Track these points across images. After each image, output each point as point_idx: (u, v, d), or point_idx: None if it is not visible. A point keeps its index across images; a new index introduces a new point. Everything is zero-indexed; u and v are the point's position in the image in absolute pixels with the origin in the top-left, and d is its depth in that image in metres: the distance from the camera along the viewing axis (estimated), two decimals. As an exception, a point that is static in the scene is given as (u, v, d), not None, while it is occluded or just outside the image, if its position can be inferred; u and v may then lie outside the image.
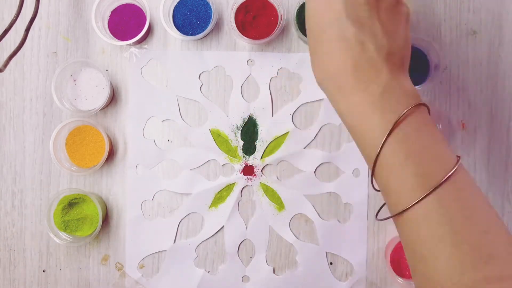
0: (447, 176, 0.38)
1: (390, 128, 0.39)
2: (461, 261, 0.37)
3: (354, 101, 0.40)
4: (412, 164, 0.38)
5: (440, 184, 0.37)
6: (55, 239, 0.56)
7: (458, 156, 0.40)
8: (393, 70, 0.40)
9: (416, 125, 0.39)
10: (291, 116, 0.59)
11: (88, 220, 0.58)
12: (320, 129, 0.59)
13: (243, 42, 0.59)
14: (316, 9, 0.41)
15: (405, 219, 0.39)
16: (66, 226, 0.57)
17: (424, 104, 0.40)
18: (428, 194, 0.37)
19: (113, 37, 0.58)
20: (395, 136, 0.39)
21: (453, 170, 0.38)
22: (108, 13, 0.59)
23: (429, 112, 0.41)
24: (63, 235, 0.57)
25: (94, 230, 0.57)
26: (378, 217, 0.45)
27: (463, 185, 0.39)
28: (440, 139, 0.40)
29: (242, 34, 0.56)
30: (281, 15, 0.56)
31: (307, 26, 0.42)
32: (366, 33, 0.40)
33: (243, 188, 0.59)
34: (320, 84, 0.42)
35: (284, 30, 0.59)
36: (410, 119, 0.39)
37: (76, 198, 0.57)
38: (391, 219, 0.41)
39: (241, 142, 0.59)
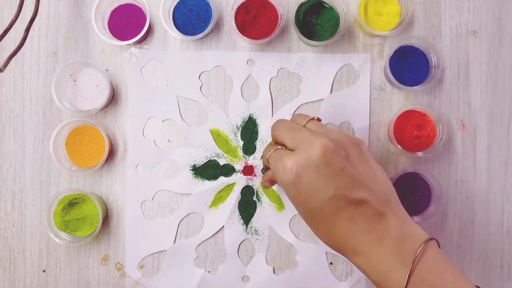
0: None
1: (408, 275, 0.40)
2: None
3: (374, 259, 0.41)
4: None
5: None
6: (55, 239, 0.56)
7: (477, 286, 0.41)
8: (396, 216, 0.42)
9: (429, 266, 0.40)
10: (291, 116, 0.59)
11: (88, 220, 0.58)
12: (320, 129, 0.59)
13: (243, 42, 0.59)
14: (301, 199, 0.42)
15: None
16: (66, 226, 0.57)
17: (432, 238, 0.42)
18: None
19: (113, 37, 0.58)
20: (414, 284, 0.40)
21: None
22: (108, 13, 0.59)
23: (439, 245, 0.42)
24: (63, 235, 0.57)
25: (94, 230, 0.57)
26: None
27: None
28: (457, 275, 0.41)
29: (242, 34, 0.56)
30: (281, 15, 0.56)
31: (299, 211, 0.44)
32: (356, 194, 0.41)
33: (243, 188, 0.59)
34: (333, 249, 0.44)
35: (284, 30, 0.59)
36: (424, 259, 0.40)
37: (76, 198, 0.57)
38: None
39: (241, 142, 0.59)
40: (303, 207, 0.43)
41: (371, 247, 0.41)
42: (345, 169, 0.42)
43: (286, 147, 0.45)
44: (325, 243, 0.44)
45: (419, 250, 0.40)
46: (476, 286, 0.40)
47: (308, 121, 0.47)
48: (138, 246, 0.59)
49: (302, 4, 0.57)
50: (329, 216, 0.42)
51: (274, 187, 0.59)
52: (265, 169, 0.58)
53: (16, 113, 0.59)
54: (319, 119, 0.48)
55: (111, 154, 0.59)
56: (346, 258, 0.47)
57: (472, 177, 0.59)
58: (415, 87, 0.57)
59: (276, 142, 0.48)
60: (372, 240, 0.41)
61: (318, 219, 0.43)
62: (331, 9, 0.57)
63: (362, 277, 0.59)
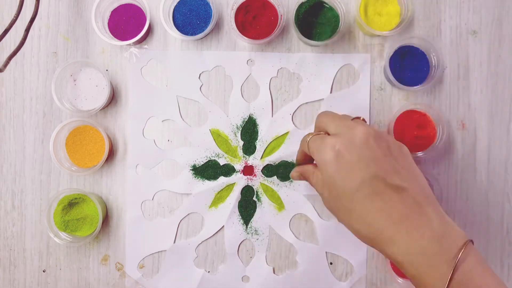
0: None
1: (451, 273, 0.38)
2: None
3: (414, 251, 0.40)
4: None
5: None
6: (55, 239, 0.56)
7: None
8: (437, 210, 0.41)
9: (472, 266, 0.39)
10: (291, 116, 0.59)
11: (88, 220, 0.58)
12: (320, 129, 0.59)
13: (243, 42, 0.59)
14: (340, 176, 0.42)
15: None
16: (66, 226, 0.57)
17: (471, 240, 0.41)
18: None
19: (113, 37, 0.58)
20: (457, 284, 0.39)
21: None
22: (108, 13, 0.59)
23: (472, 243, 0.41)
24: (63, 235, 0.57)
25: (94, 230, 0.57)
26: None
27: None
28: (498, 280, 0.40)
29: (242, 34, 0.56)
30: (281, 15, 0.56)
31: (333, 195, 0.43)
32: (398, 181, 0.41)
33: (243, 188, 0.59)
34: (364, 239, 0.43)
35: (284, 30, 0.59)
36: (467, 259, 0.39)
37: (76, 198, 0.57)
38: None
39: (241, 142, 0.59)
40: (341, 187, 0.42)
41: (410, 237, 0.40)
42: (386, 156, 0.42)
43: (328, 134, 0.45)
44: (358, 231, 0.43)
45: (463, 249, 0.39)
46: None
47: (354, 118, 0.47)
48: (138, 246, 0.59)
49: (302, 4, 0.57)
50: (367, 198, 0.41)
51: (274, 186, 0.59)
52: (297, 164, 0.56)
53: (16, 113, 0.59)
54: (364, 120, 0.48)
55: (111, 154, 0.59)
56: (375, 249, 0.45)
57: (472, 177, 0.59)
58: (415, 87, 0.57)
59: (319, 130, 0.48)
60: (412, 229, 0.40)
61: (354, 201, 0.42)
62: (331, 9, 0.57)
63: (362, 277, 0.59)
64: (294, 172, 0.52)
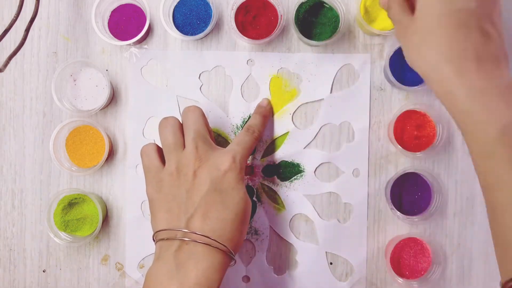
0: None
1: None
2: None
3: (479, 86, 0.39)
4: None
5: None
6: (55, 239, 0.56)
7: None
8: (509, 71, 0.41)
9: None
10: (291, 116, 0.59)
11: (88, 220, 0.58)
12: (320, 129, 0.59)
13: (243, 42, 0.59)
14: None
15: None
16: (66, 226, 0.57)
17: None
18: None
19: (113, 37, 0.58)
20: None
21: None
22: (108, 13, 0.59)
23: None
24: (63, 235, 0.57)
25: (94, 230, 0.57)
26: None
27: None
28: None
29: (242, 34, 0.56)
30: (281, 15, 0.56)
31: (423, 7, 0.42)
32: (491, 28, 0.41)
33: (243, 188, 0.59)
34: (429, 65, 0.41)
35: (284, 30, 0.59)
36: None
37: (76, 198, 0.57)
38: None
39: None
40: (433, 5, 0.41)
41: (479, 76, 0.39)
42: (497, 3, 0.42)
43: None
44: (427, 57, 0.42)
45: None
46: None
47: None
48: (138, 246, 0.59)
49: (302, 4, 0.57)
50: (451, 26, 0.41)
51: (274, 186, 0.59)
52: None
53: (16, 113, 0.59)
54: None
55: (111, 154, 0.59)
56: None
57: (472, 177, 0.59)
58: (415, 87, 0.57)
59: None
60: (482, 71, 0.40)
61: (436, 24, 0.41)
62: (331, 9, 0.57)
63: (362, 277, 0.59)
64: None
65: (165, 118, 0.52)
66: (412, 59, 0.44)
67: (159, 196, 0.50)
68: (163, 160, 0.51)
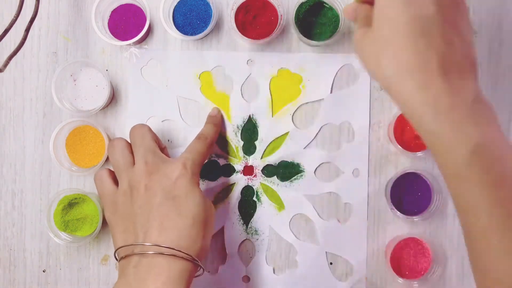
0: None
1: (483, 141, 0.36)
2: None
3: (445, 103, 0.36)
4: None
5: None
6: (55, 239, 0.56)
7: None
8: (477, 82, 0.38)
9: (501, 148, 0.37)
10: (291, 116, 0.59)
11: (88, 220, 0.58)
12: (320, 129, 0.59)
13: (243, 42, 0.59)
14: (402, 2, 0.38)
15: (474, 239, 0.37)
16: (66, 226, 0.57)
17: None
18: None
19: (113, 37, 0.58)
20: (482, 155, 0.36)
21: None
22: (108, 13, 0.59)
23: None
24: (63, 235, 0.57)
25: (94, 230, 0.57)
26: None
27: None
28: None
29: (242, 34, 0.56)
30: (281, 15, 0.56)
31: (380, 16, 0.39)
32: (455, 35, 0.38)
33: (243, 188, 0.59)
34: (389, 77, 0.38)
35: (284, 30, 0.59)
36: (495, 141, 0.37)
37: (76, 198, 0.57)
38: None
39: (241, 142, 0.59)
40: (394, 13, 0.38)
41: (446, 92, 0.36)
42: (451, 8, 0.39)
43: None
44: (388, 67, 0.38)
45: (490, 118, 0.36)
46: None
47: None
48: (138, 246, 0.59)
49: (302, 4, 0.57)
50: (413, 35, 0.37)
51: (274, 186, 0.59)
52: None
53: (16, 113, 0.59)
54: None
55: (111, 154, 0.59)
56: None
57: None
58: (415, 87, 0.57)
59: None
60: (450, 85, 0.37)
61: (397, 33, 0.38)
62: (331, 9, 0.57)
63: (362, 277, 0.59)
64: (350, 9, 0.46)
65: (111, 141, 0.53)
66: (372, 72, 0.40)
67: (115, 217, 0.50)
68: (117, 182, 0.52)
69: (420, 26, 0.37)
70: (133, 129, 0.53)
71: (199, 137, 0.54)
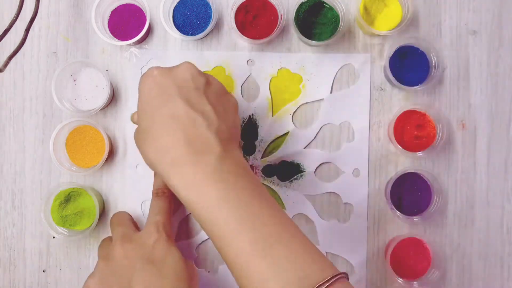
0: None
1: (225, 196, 0.41)
2: None
3: (187, 173, 0.42)
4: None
5: None
6: (55, 234, 0.56)
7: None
8: (223, 145, 0.43)
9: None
10: (291, 116, 0.59)
11: (85, 213, 0.58)
12: (320, 129, 0.59)
13: (243, 42, 0.59)
14: (149, 92, 0.44)
15: None
16: (64, 221, 0.57)
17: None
18: None
19: (113, 37, 0.58)
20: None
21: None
22: (108, 13, 0.59)
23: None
24: (62, 230, 0.57)
25: (93, 223, 0.57)
26: None
27: None
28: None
29: (242, 34, 0.56)
30: (281, 15, 0.56)
31: (139, 108, 0.45)
32: (197, 111, 0.43)
33: (243, 188, 0.59)
34: (152, 163, 0.44)
35: (284, 30, 0.59)
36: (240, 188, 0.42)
37: (71, 192, 0.57)
38: None
39: (241, 142, 0.59)
40: (146, 104, 0.44)
41: (189, 162, 0.42)
42: (199, 88, 0.45)
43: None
44: (149, 154, 0.44)
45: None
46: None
47: None
48: (138, 246, 0.59)
49: (302, 4, 0.57)
50: (164, 119, 0.43)
51: (274, 186, 0.59)
52: None
53: (16, 113, 0.59)
54: None
55: (111, 154, 0.59)
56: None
57: (472, 177, 0.59)
58: (415, 87, 0.57)
59: None
60: (192, 155, 0.42)
61: (152, 120, 0.44)
62: (331, 9, 0.57)
63: (362, 277, 0.59)
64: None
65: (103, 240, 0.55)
66: (146, 161, 0.45)
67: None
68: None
69: (167, 110, 0.43)
70: (111, 220, 0.56)
71: (156, 193, 0.55)
